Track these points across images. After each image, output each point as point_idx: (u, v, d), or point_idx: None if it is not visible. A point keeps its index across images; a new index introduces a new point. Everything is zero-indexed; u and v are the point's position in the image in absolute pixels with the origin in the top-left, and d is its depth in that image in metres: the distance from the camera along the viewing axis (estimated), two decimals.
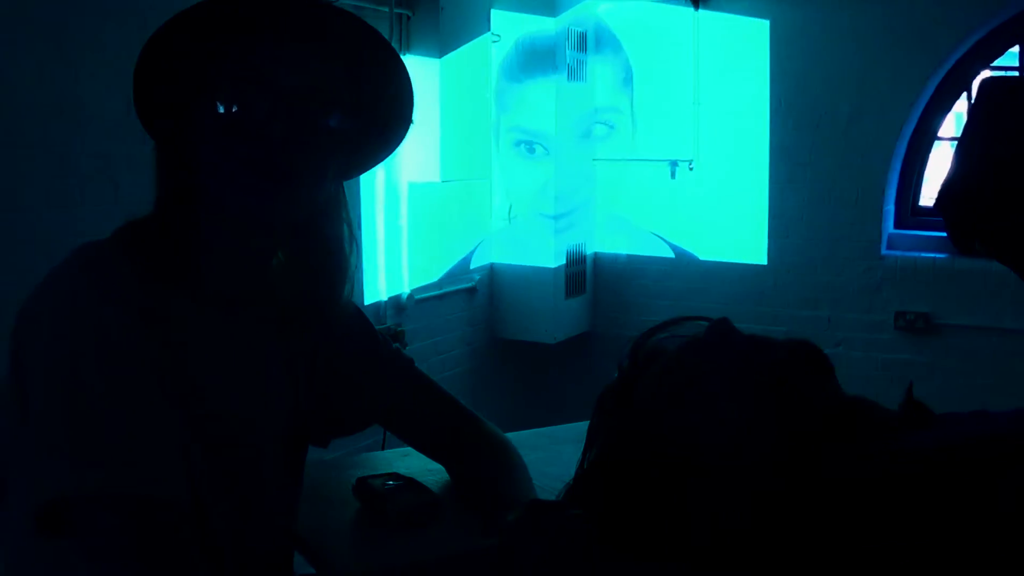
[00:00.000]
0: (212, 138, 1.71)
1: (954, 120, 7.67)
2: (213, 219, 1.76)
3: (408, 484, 2.25)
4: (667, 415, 1.68)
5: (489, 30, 6.81)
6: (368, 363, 2.17)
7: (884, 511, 1.40)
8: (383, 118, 1.92)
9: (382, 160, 2.02)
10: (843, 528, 1.44)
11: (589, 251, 8.03)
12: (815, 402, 1.61)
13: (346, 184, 1.94)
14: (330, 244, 1.92)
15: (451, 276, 7.21)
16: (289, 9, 1.74)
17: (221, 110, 1.70)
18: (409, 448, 2.40)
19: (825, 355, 1.65)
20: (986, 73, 7.09)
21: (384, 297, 6.49)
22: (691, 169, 7.67)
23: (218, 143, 1.71)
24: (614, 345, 1.83)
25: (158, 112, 1.77)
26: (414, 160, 6.27)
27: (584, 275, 7.97)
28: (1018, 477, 1.33)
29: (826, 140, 7.25)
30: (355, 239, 1.97)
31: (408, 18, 6.30)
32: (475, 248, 7.47)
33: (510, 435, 2.35)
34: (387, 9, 6.06)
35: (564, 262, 7.66)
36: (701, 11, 7.51)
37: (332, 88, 1.77)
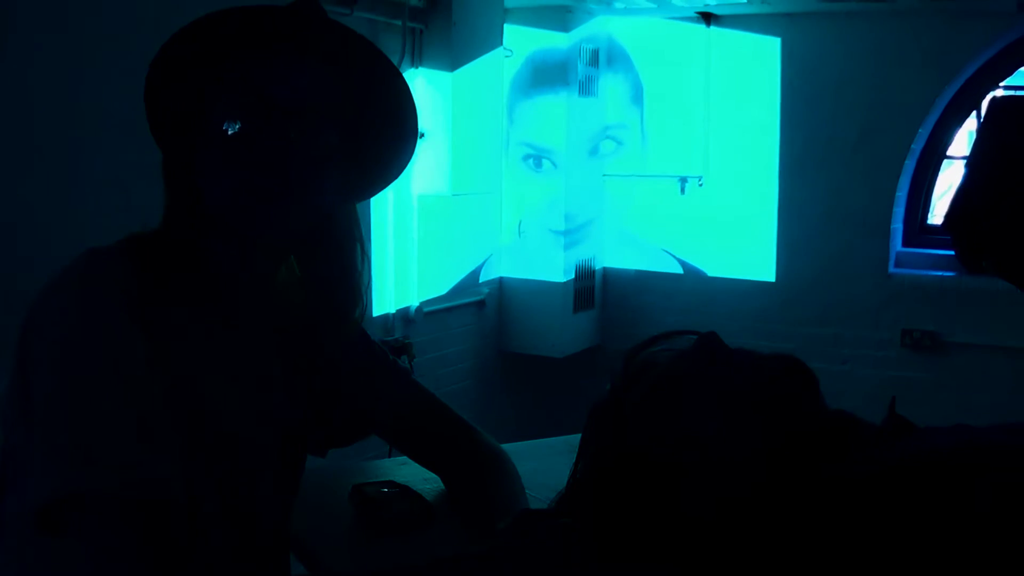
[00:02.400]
0: (216, 152, 1.74)
1: (964, 139, 7.66)
2: (216, 232, 1.79)
3: (403, 492, 2.28)
4: (656, 426, 1.70)
5: (501, 44, 6.82)
6: (365, 373, 2.20)
7: (866, 514, 1.42)
8: (386, 135, 1.95)
9: (391, 181, 2.03)
10: (828, 531, 1.46)
11: (598, 266, 8.05)
12: (799, 415, 1.63)
13: None
14: (343, 264, 1.95)
15: (460, 289, 7.23)
16: (295, 27, 1.77)
17: (226, 125, 1.73)
18: (405, 457, 2.43)
19: (810, 370, 1.67)
20: (996, 92, 7.10)
21: (393, 309, 6.51)
22: (701, 185, 7.69)
23: (222, 158, 1.73)
24: (614, 362, 1.85)
25: (166, 123, 1.80)
26: (424, 173, 6.30)
27: (593, 290, 7.99)
28: (993, 479, 1.35)
29: (835, 158, 7.26)
30: (367, 258, 2.00)
31: (421, 32, 6.32)
32: (484, 262, 7.49)
33: (505, 446, 2.38)
34: (400, 23, 6.08)
35: (573, 277, 7.68)
36: (712, 28, 7.53)
37: (335, 106, 1.80)
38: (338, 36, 1.81)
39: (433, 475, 2.36)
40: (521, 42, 7.37)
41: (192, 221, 1.78)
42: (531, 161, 7.53)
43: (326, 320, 1.97)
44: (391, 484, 2.31)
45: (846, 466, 1.51)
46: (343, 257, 1.95)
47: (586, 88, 7.64)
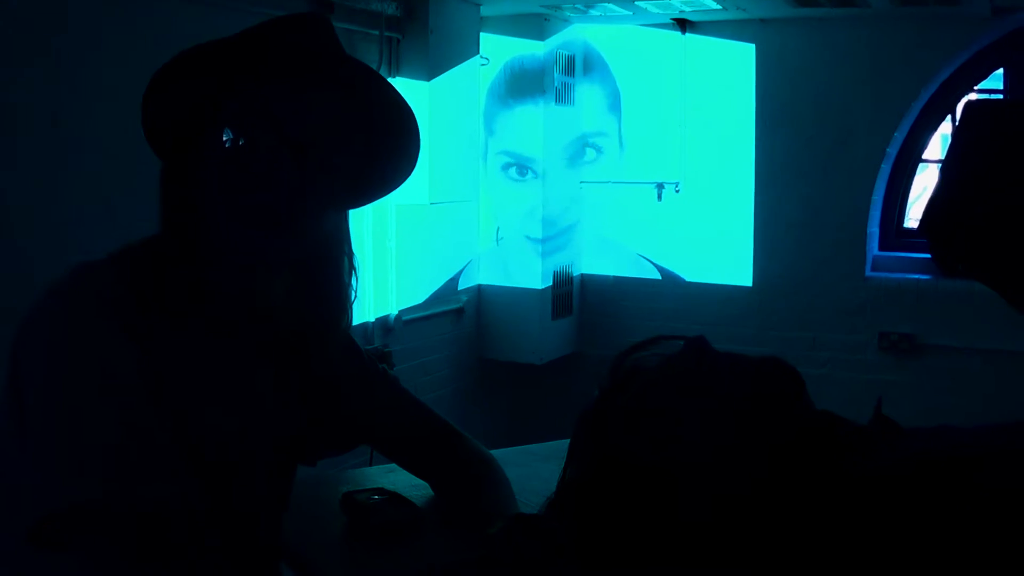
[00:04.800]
0: (216, 175, 1.75)
1: (939, 142, 7.70)
2: (212, 250, 1.79)
3: (393, 498, 2.28)
4: (645, 429, 1.71)
5: (478, 53, 6.85)
6: (355, 383, 2.20)
7: (867, 514, 1.44)
8: (388, 156, 1.96)
9: (391, 191, 2.05)
10: (828, 529, 1.47)
11: (576, 272, 8.06)
12: (787, 416, 1.64)
13: None
14: (332, 276, 1.96)
15: (438, 297, 7.23)
16: (297, 54, 1.78)
17: (227, 148, 1.74)
18: (394, 465, 2.44)
19: (796, 372, 1.69)
20: (970, 96, 7.13)
21: (372, 318, 6.51)
22: (678, 191, 7.71)
23: (221, 181, 1.74)
24: (600, 366, 1.85)
25: (167, 137, 1.80)
26: None
27: (571, 296, 8.00)
28: (984, 479, 1.37)
29: (811, 163, 7.28)
30: (355, 271, 2.01)
31: (398, 41, 6.33)
32: (462, 269, 7.50)
33: (493, 452, 2.39)
34: (377, 33, 6.10)
35: (551, 283, 7.69)
36: (688, 35, 7.55)
37: (336, 132, 1.81)
38: (341, 63, 1.83)
39: (422, 482, 2.37)
40: (497, 51, 7.38)
41: (186, 236, 1.79)
42: (511, 169, 7.54)
43: (314, 330, 1.98)
44: (381, 491, 2.31)
45: (844, 467, 1.53)
46: (333, 269, 1.96)
47: (563, 96, 7.66)
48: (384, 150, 1.93)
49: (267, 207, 1.73)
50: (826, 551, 1.46)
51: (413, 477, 2.39)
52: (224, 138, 1.73)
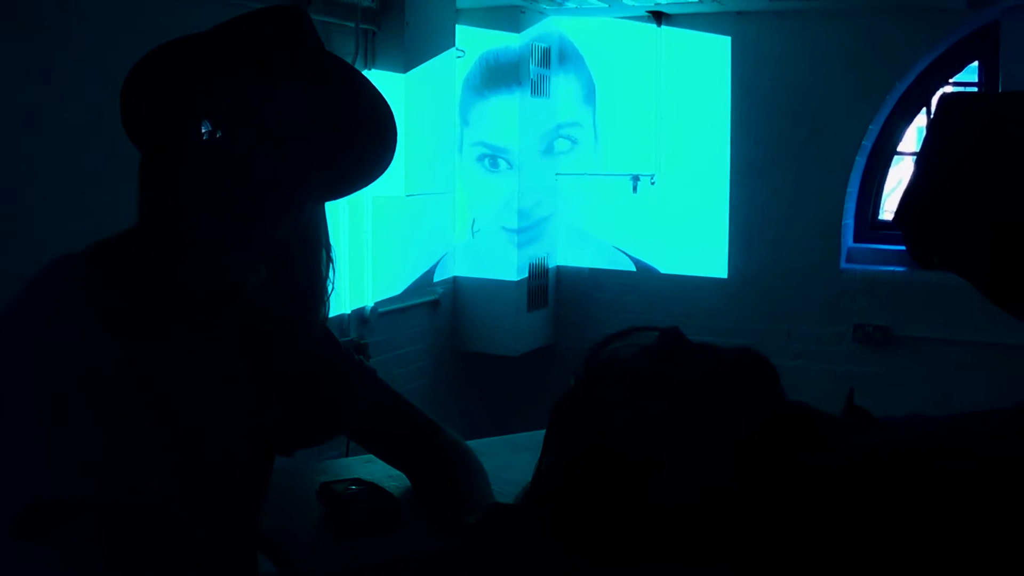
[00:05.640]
0: (193, 168, 1.74)
1: (914, 135, 7.72)
2: (189, 243, 1.79)
3: (370, 489, 2.29)
4: (621, 420, 1.72)
5: (454, 45, 6.83)
6: (332, 373, 2.20)
7: (828, 503, 1.45)
8: (365, 149, 1.96)
9: (368, 184, 2.05)
10: (803, 519, 1.48)
11: (551, 264, 8.07)
12: (760, 406, 1.65)
13: None
14: (308, 268, 1.96)
15: (414, 289, 7.24)
16: (275, 46, 1.77)
17: (205, 141, 1.73)
18: (371, 455, 2.44)
19: (770, 362, 1.70)
20: (945, 89, 7.16)
21: (348, 310, 6.51)
22: (653, 184, 7.72)
23: (199, 174, 1.74)
24: (576, 358, 1.85)
25: (146, 130, 1.80)
26: None
27: (546, 288, 8.01)
28: (949, 467, 1.38)
29: (787, 155, 7.31)
30: (332, 263, 2.01)
31: (373, 33, 6.32)
32: (438, 261, 7.51)
33: (469, 443, 2.40)
34: (352, 24, 6.08)
35: (526, 275, 7.70)
36: (663, 28, 7.57)
37: (313, 124, 1.80)
38: (318, 55, 1.83)
39: (399, 472, 2.37)
40: (473, 43, 7.39)
41: (164, 229, 1.78)
42: (487, 161, 7.55)
43: (291, 322, 1.98)
44: (358, 482, 2.32)
45: (816, 455, 1.54)
46: (309, 261, 1.96)
47: (538, 88, 7.67)
48: (361, 143, 1.93)
49: (244, 200, 1.73)
50: (795, 540, 1.47)
51: (390, 468, 2.39)
52: (202, 131, 1.73)
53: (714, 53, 7.48)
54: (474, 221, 7.59)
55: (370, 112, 1.93)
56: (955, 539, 1.34)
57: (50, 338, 1.64)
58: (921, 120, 7.37)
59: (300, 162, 1.77)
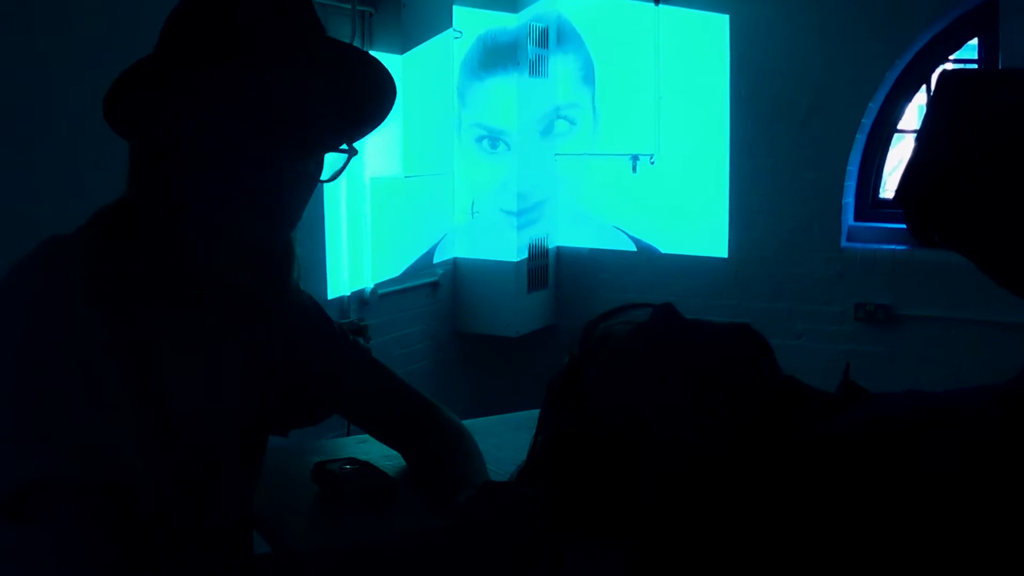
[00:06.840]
0: (206, 160, 1.72)
1: (914, 113, 7.70)
2: (194, 228, 1.78)
3: (365, 468, 2.28)
4: (614, 395, 1.72)
5: (451, 26, 6.82)
6: (326, 353, 2.21)
7: (821, 475, 1.44)
8: (369, 121, 1.95)
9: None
10: (793, 491, 1.48)
11: (551, 245, 8.06)
12: (755, 380, 1.65)
13: None
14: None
15: (414, 271, 7.22)
16: (288, 39, 1.76)
17: (218, 134, 1.71)
18: (366, 435, 2.44)
19: (763, 338, 1.70)
20: (945, 66, 7.14)
21: (347, 292, 6.51)
22: (652, 163, 7.70)
23: (214, 166, 1.72)
24: (572, 337, 1.86)
25: (140, 115, 1.77)
26: (377, 155, 6.30)
27: (546, 269, 8.00)
28: (941, 438, 1.37)
29: (786, 133, 7.29)
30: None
31: (371, 15, 6.31)
32: (438, 243, 7.49)
33: (465, 422, 2.39)
34: (349, 6, 6.07)
35: (526, 256, 7.69)
36: (662, 7, 7.54)
37: (330, 119, 1.80)
38: (324, 41, 1.81)
39: (394, 452, 2.37)
40: (470, 23, 7.35)
41: (163, 210, 1.77)
42: (486, 142, 7.54)
43: (266, 286, 1.95)
44: (353, 461, 2.32)
45: (809, 430, 1.54)
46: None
47: (536, 68, 7.65)
48: (364, 108, 1.92)
49: (268, 192, 1.73)
50: (787, 513, 1.47)
51: (385, 447, 2.39)
52: (214, 121, 1.71)
53: (713, 31, 7.45)
54: (473, 202, 7.58)
55: (367, 81, 1.91)
56: (940, 511, 1.34)
57: (39, 318, 1.63)
58: (921, 98, 7.34)
59: (314, 152, 1.78)
